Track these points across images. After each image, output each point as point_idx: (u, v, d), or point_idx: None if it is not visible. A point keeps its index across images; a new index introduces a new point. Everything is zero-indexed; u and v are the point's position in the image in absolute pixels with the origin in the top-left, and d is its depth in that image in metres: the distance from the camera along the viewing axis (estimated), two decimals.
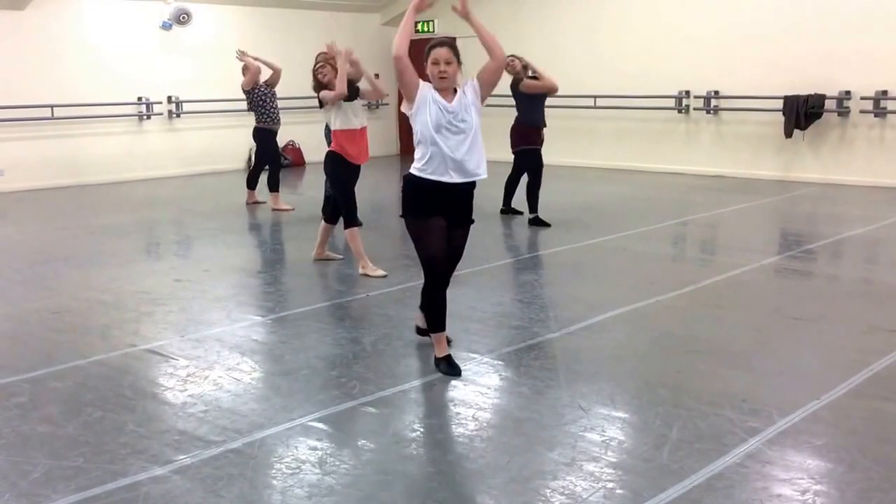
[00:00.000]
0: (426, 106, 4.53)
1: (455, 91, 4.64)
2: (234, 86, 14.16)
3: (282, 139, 14.60)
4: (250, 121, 14.03)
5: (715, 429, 3.96)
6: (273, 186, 10.47)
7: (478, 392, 4.48)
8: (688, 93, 13.18)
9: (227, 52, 14.03)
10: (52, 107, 12.20)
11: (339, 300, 6.22)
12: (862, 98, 11.55)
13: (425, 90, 4.56)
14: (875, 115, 11.52)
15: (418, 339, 5.34)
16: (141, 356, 5.11)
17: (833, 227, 9.04)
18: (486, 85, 4.66)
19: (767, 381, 4.62)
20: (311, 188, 13.10)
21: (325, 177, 7.37)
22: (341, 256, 7.56)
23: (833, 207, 10.34)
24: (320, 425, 4.06)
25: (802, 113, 11.85)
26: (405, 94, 4.58)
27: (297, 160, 14.78)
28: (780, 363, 4.88)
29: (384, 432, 4.00)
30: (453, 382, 4.60)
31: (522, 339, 5.32)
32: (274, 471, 3.63)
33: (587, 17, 14.08)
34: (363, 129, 6.99)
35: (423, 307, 5.01)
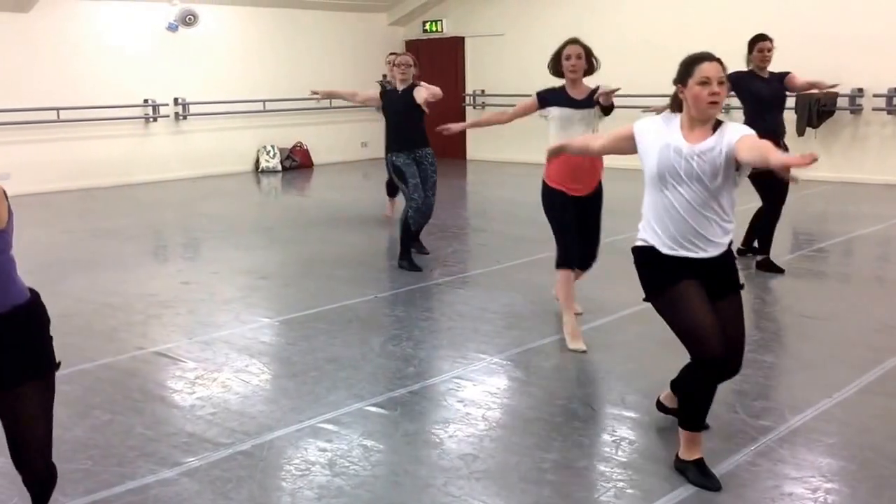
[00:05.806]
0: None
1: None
2: (240, 87, 14.16)
3: (289, 140, 14.70)
4: (257, 122, 14.19)
5: (726, 428, 3.93)
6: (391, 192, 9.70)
7: (487, 392, 4.46)
8: None
9: (234, 53, 14.10)
10: (57, 109, 12.18)
11: (347, 302, 6.20)
12: (874, 95, 11.48)
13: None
14: (888, 113, 11.45)
15: (426, 339, 5.32)
16: (149, 359, 5.10)
17: (845, 226, 8.99)
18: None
19: (779, 379, 4.59)
20: (317, 190, 13.12)
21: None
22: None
23: (845, 206, 10.28)
24: (329, 427, 4.04)
25: (815, 111, 11.77)
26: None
27: (304, 162, 14.76)
28: (791, 361, 4.85)
29: (393, 433, 3.98)
30: (462, 383, 4.58)
31: (532, 339, 5.29)
32: (283, 472, 3.62)
33: (586, 18, 14.00)
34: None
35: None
